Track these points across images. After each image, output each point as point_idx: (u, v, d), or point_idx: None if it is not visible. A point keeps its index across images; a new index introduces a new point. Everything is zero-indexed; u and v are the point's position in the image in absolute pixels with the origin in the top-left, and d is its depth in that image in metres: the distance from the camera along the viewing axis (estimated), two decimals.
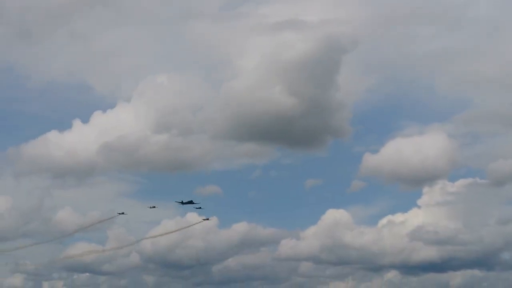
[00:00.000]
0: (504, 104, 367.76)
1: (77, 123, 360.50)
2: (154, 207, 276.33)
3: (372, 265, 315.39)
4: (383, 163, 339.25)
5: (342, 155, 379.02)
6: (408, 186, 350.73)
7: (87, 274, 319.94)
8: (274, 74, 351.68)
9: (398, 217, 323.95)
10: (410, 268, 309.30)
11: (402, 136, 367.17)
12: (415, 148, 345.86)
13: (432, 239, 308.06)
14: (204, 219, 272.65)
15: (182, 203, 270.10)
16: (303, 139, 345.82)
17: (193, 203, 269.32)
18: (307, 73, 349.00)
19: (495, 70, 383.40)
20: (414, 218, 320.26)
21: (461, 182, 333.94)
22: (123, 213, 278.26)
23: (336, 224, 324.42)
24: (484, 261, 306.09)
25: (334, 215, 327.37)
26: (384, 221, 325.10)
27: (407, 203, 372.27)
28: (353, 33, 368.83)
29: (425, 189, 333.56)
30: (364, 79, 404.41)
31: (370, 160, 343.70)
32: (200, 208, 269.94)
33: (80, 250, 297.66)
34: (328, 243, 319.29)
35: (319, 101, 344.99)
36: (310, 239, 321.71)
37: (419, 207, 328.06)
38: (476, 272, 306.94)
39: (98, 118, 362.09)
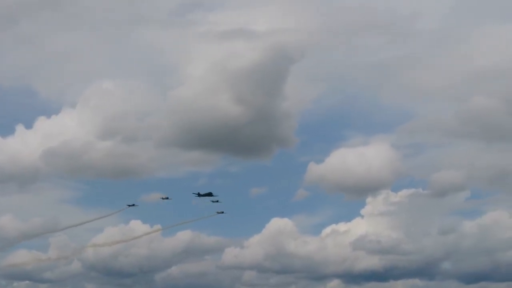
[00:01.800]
0: (447, 115, 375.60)
1: (20, 128, 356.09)
2: (167, 198, 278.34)
3: (315, 274, 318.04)
4: (327, 173, 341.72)
5: (287, 164, 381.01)
6: (352, 195, 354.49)
7: (27, 282, 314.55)
8: (221, 82, 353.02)
9: (342, 227, 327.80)
10: (353, 277, 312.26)
11: (346, 146, 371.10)
12: (359, 158, 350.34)
13: (374, 249, 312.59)
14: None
15: (199, 195, 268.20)
16: (249, 148, 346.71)
17: (212, 195, 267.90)
18: (255, 81, 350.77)
19: (439, 82, 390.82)
20: (357, 227, 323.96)
21: (403, 192, 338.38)
22: (133, 205, 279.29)
23: (280, 233, 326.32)
24: (425, 270, 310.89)
25: (278, 224, 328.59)
26: (327, 230, 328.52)
27: (351, 213, 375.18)
28: (301, 43, 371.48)
29: (369, 199, 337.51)
30: (311, 89, 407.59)
31: (315, 170, 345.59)
32: (217, 201, 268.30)
33: (21, 257, 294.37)
34: (272, 251, 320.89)
35: (265, 110, 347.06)
36: (254, 247, 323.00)
37: (362, 216, 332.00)
38: (417, 282, 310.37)
39: (42, 123, 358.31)
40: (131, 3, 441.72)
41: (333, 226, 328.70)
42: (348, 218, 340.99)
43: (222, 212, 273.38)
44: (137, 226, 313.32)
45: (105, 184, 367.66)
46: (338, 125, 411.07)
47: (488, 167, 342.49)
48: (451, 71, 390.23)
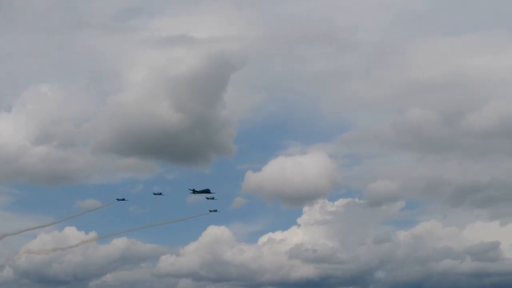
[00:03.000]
0: (384, 126, 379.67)
1: None
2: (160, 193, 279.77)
3: (251, 282, 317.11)
4: (265, 182, 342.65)
5: (225, 172, 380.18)
6: (289, 204, 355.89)
7: None
8: (161, 88, 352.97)
9: (278, 235, 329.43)
10: (288, 286, 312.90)
11: (284, 155, 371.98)
12: (296, 167, 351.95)
13: (310, 257, 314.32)
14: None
15: (195, 191, 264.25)
16: (187, 155, 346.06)
17: (209, 192, 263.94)
18: (195, 89, 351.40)
19: (377, 93, 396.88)
20: (294, 236, 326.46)
21: (340, 201, 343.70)
22: (123, 199, 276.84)
23: (217, 241, 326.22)
24: (359, 279, 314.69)
25: (215, 232, 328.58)
26: (264, 238, 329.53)
27: (288, 221, 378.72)
28: (242, 51, 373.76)
29: (305, 208, 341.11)
30: (251, 97, 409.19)
31: (253, 178, 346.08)
32: (213, 199, 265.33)
33: None
34: (208, 259, 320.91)
35: (205, 117, 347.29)
36: (190, 255, 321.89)
37: (298, 225, 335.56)
38: None
39: None
40: (72, 8, 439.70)
41: (270, 234, 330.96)
42: (284, 226, 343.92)
43: (215, 210, 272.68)
44: (72, 233, 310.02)
45: (41, 190, 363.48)
46: (277, 134, 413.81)
47: (422, 178, 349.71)
48: (388, 83, 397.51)
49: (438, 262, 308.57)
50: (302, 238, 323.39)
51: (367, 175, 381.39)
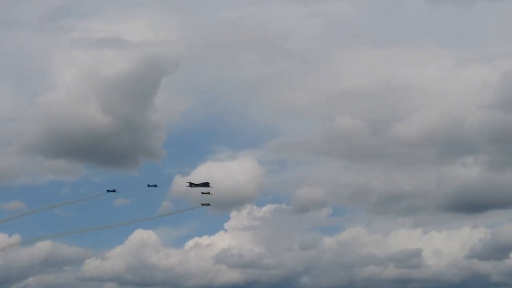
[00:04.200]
0: (312, 134, 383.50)
1: None
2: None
3: (177, 287, 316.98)
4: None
5: (153, 176, 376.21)
6: (216, 209, 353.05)
7: None
8: (91, 90, 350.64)
9: (205, 240, 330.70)
10: None
11: (213, 160, 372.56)
12: (225, 172, 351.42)
13: (236, 262, 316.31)
14: None
15: (191, 185, 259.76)
16: (116, 158, 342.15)
17: (208, 185, 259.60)
18: (125, 92, 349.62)
19: (307, 101, 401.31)
20: (221, 241, 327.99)
21: (267, 207, 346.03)
22: (114, 191, 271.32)
23: (144, 245, 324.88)
24: (285, 285, 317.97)
25: (142, 236, 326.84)
26: (191, 243, 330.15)
27: (215, 226, 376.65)
28: (174, 55, 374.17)
29: (233, 213, 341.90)
30: (182, 101, 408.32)
31: (181, 183, 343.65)
32: (209, 193, 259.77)
33: None
34: (134, 263, 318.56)
35: (134, 121, 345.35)
36: (115, 259, 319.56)
37: (226, 230, 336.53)
38: None
39: None
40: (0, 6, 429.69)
41: (197, 239, 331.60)
42: (211, 231, 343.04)
43: (208, 204, 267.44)
44: None
45: None
46: (207, 138, 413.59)
47: (349, 186, 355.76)
48: (319, 91, 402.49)
49: (362, 268, 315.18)
50: (229, 243, 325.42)
51: (294, 181, 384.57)
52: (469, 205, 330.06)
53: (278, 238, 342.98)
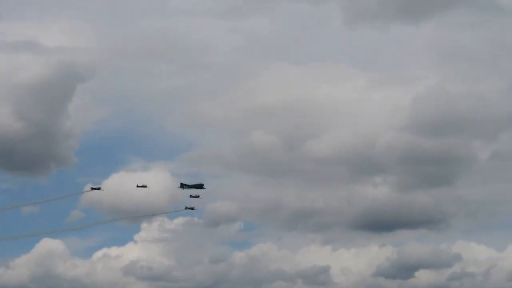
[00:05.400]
0: (226, 147, 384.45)
1: None
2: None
3: None
4: (104, 196, 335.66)
5: (63, 184, 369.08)
6: (127, 220, 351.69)
7: None
8: (3, 95, 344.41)
9: (114, 251, 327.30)
10: None
11: (126, 170, 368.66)
12: (138, 183, 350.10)
13: (145, 275, 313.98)
14: None
15: (183, 186, 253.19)
16: (25, 165, 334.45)
17: (202, 187, 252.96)
18: (38, 97, 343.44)
19: (222, 114, 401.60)
20: (130, 252, 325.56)
21: (179, 220, 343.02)
22: (99, 188, 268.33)
23: (50, 255, 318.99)
24: None
25: (49, 245, 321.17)
26: (99, 254, 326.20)
27: (124, 237, 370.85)
28: (90, 63, 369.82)
29: (144, 225, 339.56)
30: (97, 110, 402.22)
31: (92, 192, 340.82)
32: (198, 197, 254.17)
33: None
34: (39, 273, 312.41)
35: (46, 127, 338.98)
36: (20, 268, 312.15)
37: (135, 242, 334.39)
38: None
39: None
40: None
41: (105, 250, 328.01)
42: (121, 242, 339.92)
43: (193, 208, 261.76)
44: None
45: None
46: (121, 148, 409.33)
47: (260, 201, 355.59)
48: (235, 105, 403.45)
49: (271, 284, 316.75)
50: (138, 255, 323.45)
51: (207, 195, 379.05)
52: (378, 223, 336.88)
53: (188, 251, 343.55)
